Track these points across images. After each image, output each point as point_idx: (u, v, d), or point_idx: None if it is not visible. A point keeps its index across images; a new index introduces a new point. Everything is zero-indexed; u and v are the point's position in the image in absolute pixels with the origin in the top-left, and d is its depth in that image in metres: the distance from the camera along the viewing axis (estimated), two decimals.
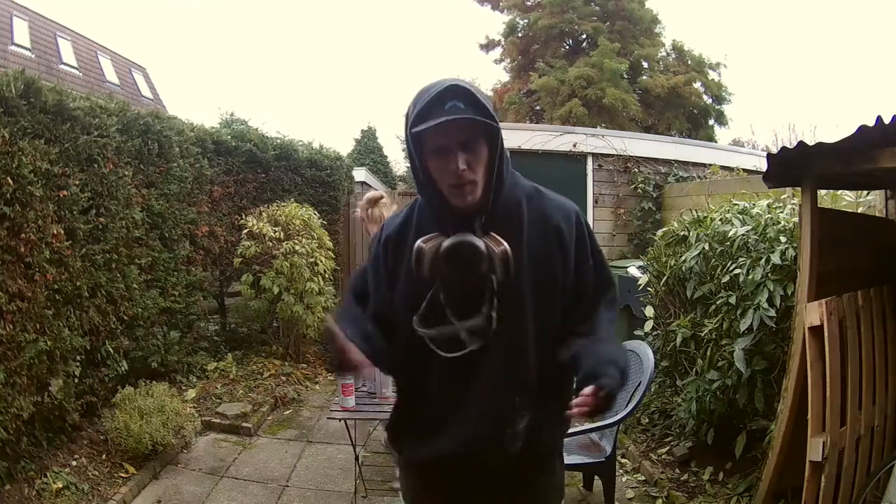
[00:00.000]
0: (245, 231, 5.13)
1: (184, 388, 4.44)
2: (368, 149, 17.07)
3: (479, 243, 1.18)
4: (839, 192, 3.29)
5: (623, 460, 3.54)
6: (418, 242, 1.21)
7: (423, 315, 1.23)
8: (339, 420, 3.02)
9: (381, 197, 3.46)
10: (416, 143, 1.18)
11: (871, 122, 1.82)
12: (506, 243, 1.19)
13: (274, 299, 5.09)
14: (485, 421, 1.25)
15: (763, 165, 2.45)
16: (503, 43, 20.03)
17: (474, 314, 1.22)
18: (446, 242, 1.19)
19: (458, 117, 1.11)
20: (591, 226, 7.47)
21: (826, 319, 2.22)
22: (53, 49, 13.99)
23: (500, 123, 1.19)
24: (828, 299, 2.27)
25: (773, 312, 2.71)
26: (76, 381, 3.33)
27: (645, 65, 18.53)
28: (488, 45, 20.53)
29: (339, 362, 1.17)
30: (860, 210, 3.27)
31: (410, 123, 1.16)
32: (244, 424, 4.11)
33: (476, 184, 1.18)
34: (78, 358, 3.34)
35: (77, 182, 3.32)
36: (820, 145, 2.12)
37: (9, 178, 2.77)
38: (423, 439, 1.32)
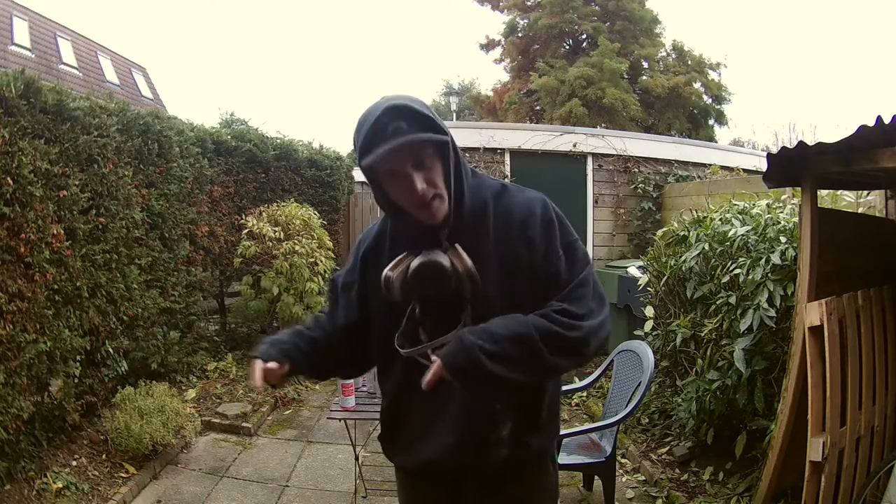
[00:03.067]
0: (245, 231, 5.14)
1: (184, 388, 4.44)
2: None
3: (445, 261, 1.18)
4: (839, 192, 3.29)
5: (623, 460, 3.54)
6: (385, 271, 1.20)
7: (403, 332, 1.24)
8: (339, 420, 3.02)
9: None
10: (370, 174, 1.17)
11: (871, 122, 1.82)
12: (469, 261, 1.18)
13: (274, 299, 5.09)
14: (468, 428, 1.26)
15: (763, 165, 2.45)
16: (503, 43, 20.02)
17: (454, 324, 1.22)
18: (413, 265, 1.19)
19: (403, 140, 1.10)
20: (591, 225, 7.33)
21: (826, 319, 2.22)
22: (53, 49, 14.00)
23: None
24: (828, 299, 2.27)
25: (773, 312, 2.71)
26: (76, 381, 3.33)
27: (645, 65, 18.52)
28: (488, 45, 20.54)
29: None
30: (860, 210, 3.27)
31: (358, 157, 1.16)
32: (244, 424, 4.11)
33: (442, 197, 1.18)
34: (78, 358, 3.35)
35: (77, 182, 3.32)
36: (820, 145, 2.12)
37: (9, 178, 2.77)
38: (411, 446, 1.34)
